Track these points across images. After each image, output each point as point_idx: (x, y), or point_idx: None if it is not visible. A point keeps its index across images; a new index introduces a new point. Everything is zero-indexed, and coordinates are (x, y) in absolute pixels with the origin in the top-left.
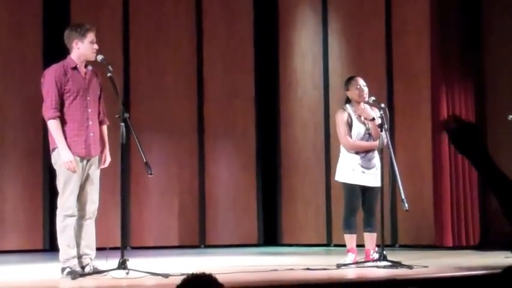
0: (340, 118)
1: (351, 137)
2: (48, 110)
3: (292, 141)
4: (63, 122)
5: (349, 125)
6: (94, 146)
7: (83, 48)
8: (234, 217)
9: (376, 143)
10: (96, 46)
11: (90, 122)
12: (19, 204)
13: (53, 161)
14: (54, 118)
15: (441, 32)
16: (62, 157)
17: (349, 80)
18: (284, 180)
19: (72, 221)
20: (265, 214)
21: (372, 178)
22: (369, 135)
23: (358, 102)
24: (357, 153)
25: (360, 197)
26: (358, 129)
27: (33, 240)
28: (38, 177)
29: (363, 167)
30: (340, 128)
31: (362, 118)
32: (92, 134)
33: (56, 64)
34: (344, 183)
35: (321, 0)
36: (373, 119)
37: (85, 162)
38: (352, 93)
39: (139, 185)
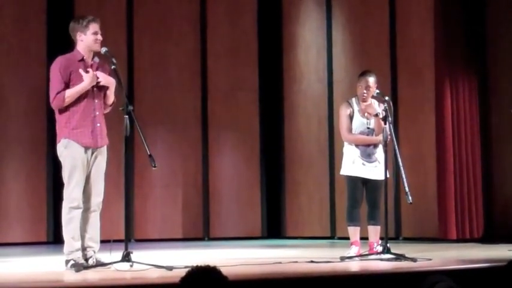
0: (342, 111)
1: (351, 130)
2: (54, 99)
3: (296, 134)
4: (70, 113)
5: (351, 119)
6: (100, 137)
7: (86, 40)
8: (237, 210)
9: (377, 137)
10: (99, 37)
11: (97, 113)
12: (23, 197)
13: (58, 153)
14: (60, 100)
15: (445, 25)
16: (87, 84)
17: (360, 76)
18: (288, 172)
19: (78, 213)
20: (269, 207)
21: (373, 171)
22: (368, 130)
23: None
24: (357, 146)
25: (362, 189)
26: (359, 123)
27: (37, 232)
28: (41, 169)
29: (363, 159)
30: (342, 122)
31: (365, 114)
32: (98, 125)
33: (63, 55)
34: (346, 176)
35: None
36: (377, 114)
37: (90, 153)
38: (358, 89)
39: (143, 177)
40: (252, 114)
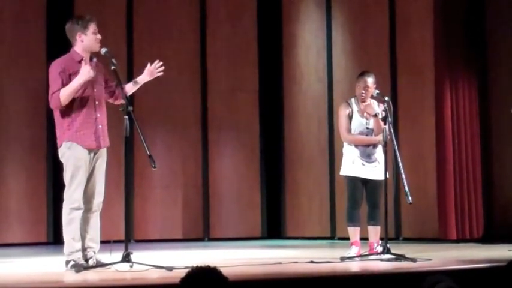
0: (341, 112)
1: (350, 130)
2: (51, 99)
3: (296, 135)
4: (72, 115)
5: (350, 119)
6: (103, 138)
7: (86, 41)
8: (238, 210)
9: (377, 137)
10: (99, 36)
11: (98, 114)
12: (23, 198)
13: (60, 155)
14: (56, 99)
15: (445, 26)
16: (83, 76)
17: (358, 76)
18: (288, 173)
19: (78, 214)
20: (269, 207)
21: (373, 171)
22: (367, 130)
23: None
24: (356, 146)
25: (362, 189)
26: (358, 123)
27: (37, 233)
28: (41, 170)
29: (362, 159)
30: (341, 122)
31: (364, 114)
32: (100, 126)
33: (61, 57)
34: (345, 176)
35: None
36: (376, 115)
37: (92, 155)
38: (356, 90)
39: (144, 178)
40: (252, 114)
